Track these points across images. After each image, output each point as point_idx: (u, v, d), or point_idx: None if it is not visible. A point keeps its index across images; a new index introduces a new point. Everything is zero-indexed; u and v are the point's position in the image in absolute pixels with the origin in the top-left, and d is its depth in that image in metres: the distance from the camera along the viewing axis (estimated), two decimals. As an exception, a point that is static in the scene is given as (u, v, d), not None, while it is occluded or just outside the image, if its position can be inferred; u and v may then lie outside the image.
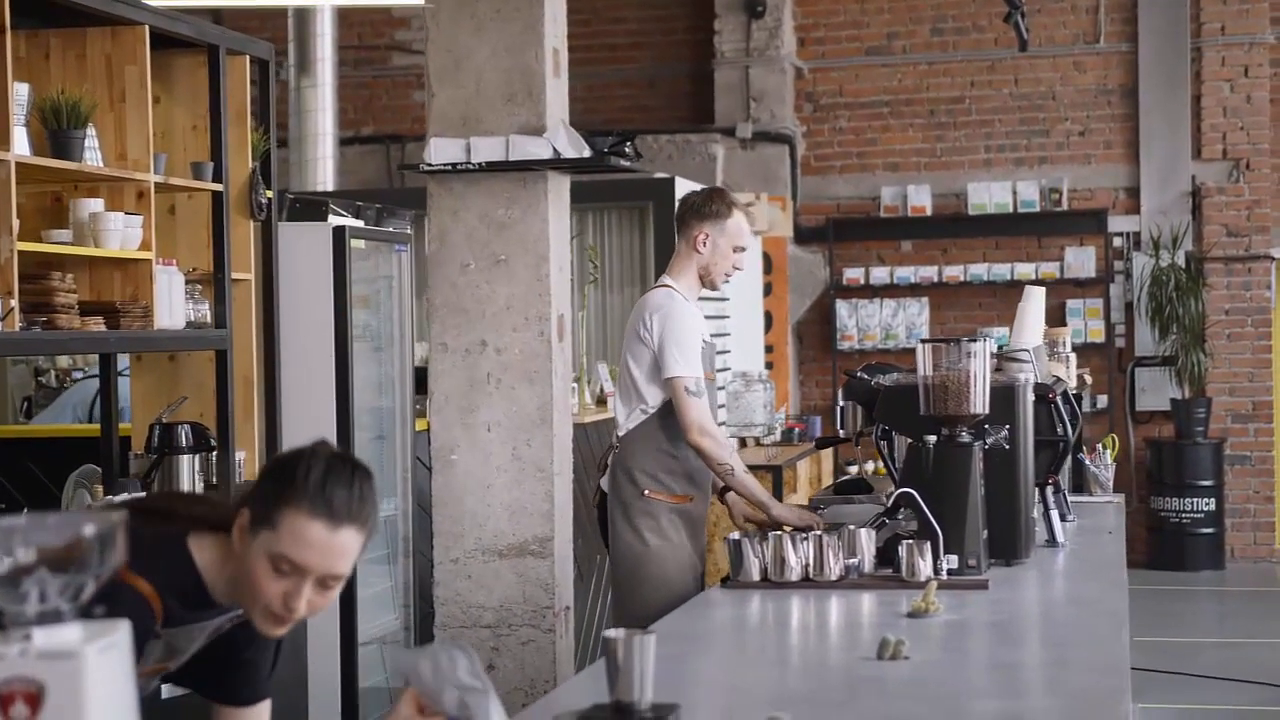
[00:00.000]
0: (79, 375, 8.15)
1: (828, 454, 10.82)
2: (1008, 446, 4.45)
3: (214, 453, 5.56)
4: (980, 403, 4.32)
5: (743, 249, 5.25)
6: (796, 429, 10.61)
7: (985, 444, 4.38)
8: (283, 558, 2.54)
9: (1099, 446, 6.33)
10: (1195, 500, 11.96)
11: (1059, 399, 4.98)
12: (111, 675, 1.75)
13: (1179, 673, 8.63)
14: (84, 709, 1.71)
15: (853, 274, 12.68)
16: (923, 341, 4.39)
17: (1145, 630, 9.55)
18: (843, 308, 12.67)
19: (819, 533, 4.25)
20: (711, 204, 5.21)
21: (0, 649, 1.72)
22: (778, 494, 8.75)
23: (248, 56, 5.85)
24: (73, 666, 1.71)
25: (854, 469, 10.49)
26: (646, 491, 5.12)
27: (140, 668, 2.63)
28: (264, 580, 2.56)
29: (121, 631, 1.79)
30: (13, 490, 6.37)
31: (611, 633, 2.69)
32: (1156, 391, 12.33)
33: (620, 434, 5.24)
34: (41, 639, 1.73)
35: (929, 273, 12.56)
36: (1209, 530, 12.01)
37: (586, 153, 5.49)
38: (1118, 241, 12.49)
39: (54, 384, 8.29)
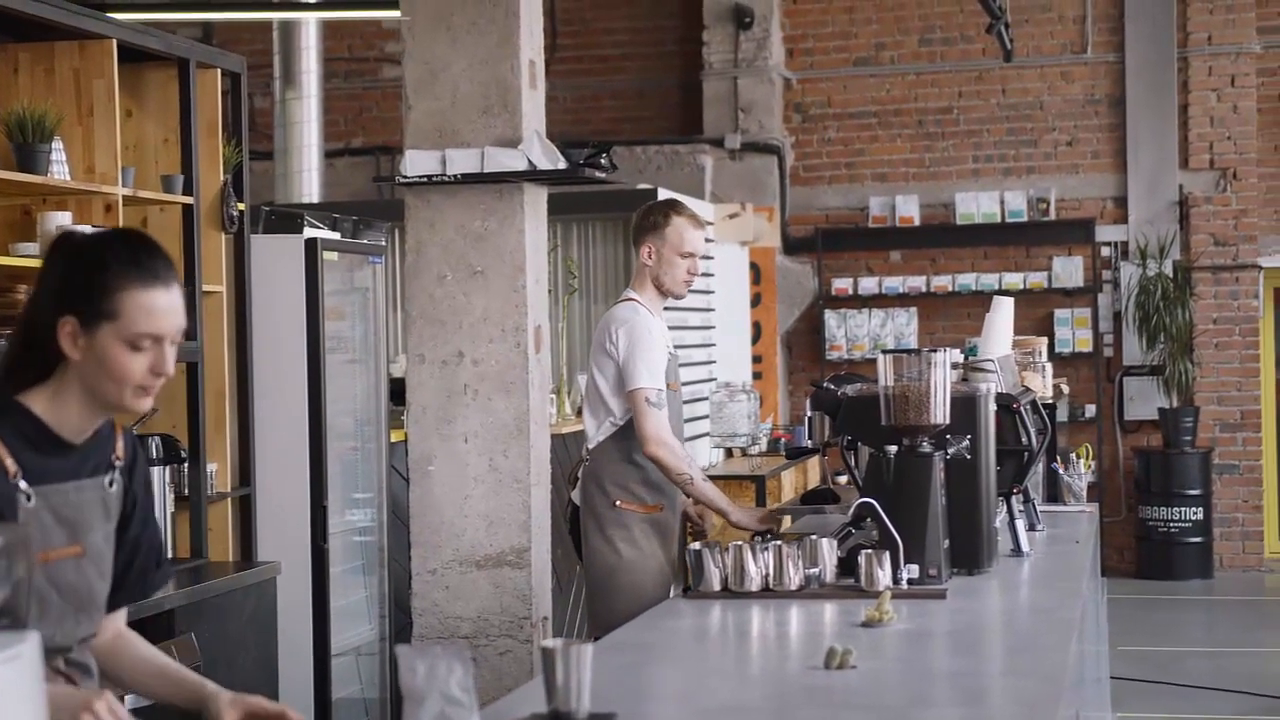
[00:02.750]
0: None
1: (814, 464, 10.82)
2: (969, 456, 4.46)
3: (185, 465, 5.58)
4: (941, 413, 4.33)
5: (690, 254, 5.30)
6: (783, 439, 10.62)
7: (946, 454, 4.39)
8: (140, 335, 2.63)
9: (1072, 456, 6.33)
10: (1183, 509, 11.97)
11: (1024, 409, 4.98)
12: (15, 686, 1.76)
13: (1162, 682, 8.64)
14: (-13, 719, 1.73)
15: (841, 284, 12.69)
16: (884, 352, 4.41)
17: (1131, 639, 9.55)
18: (831, 318, 12.69)
19: (779, 543, 4.26)
20: (649, 217, 5.33)
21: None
22: (760, 504, 8.76)
23: (219, 70, 5.88)
24: (-25, 677, 1.73)
25: (843, 479, 10.48)
26: (618, 502, 5.21)
27: (42, 549, 2.61)
28: (126, 364, 2.64)
29: (29, 643, 1.80)
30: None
31: (548, 643, 2.71)
32: (1144, 401, 12.34)
33: (590, 446, 5.32)
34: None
35: (917, 283, 12.58)
36: (1197, 539, 12.01)
37: (561, 164, 5.50)
38: (1105, 251, 12.50)
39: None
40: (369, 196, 12.54)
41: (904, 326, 12.60)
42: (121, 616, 2.94)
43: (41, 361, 2.68)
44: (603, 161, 5.71)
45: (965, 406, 4.48)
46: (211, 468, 5.77)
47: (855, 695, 3.07)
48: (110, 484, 2.77)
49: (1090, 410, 12.30)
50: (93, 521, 2.74)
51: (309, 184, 10.76)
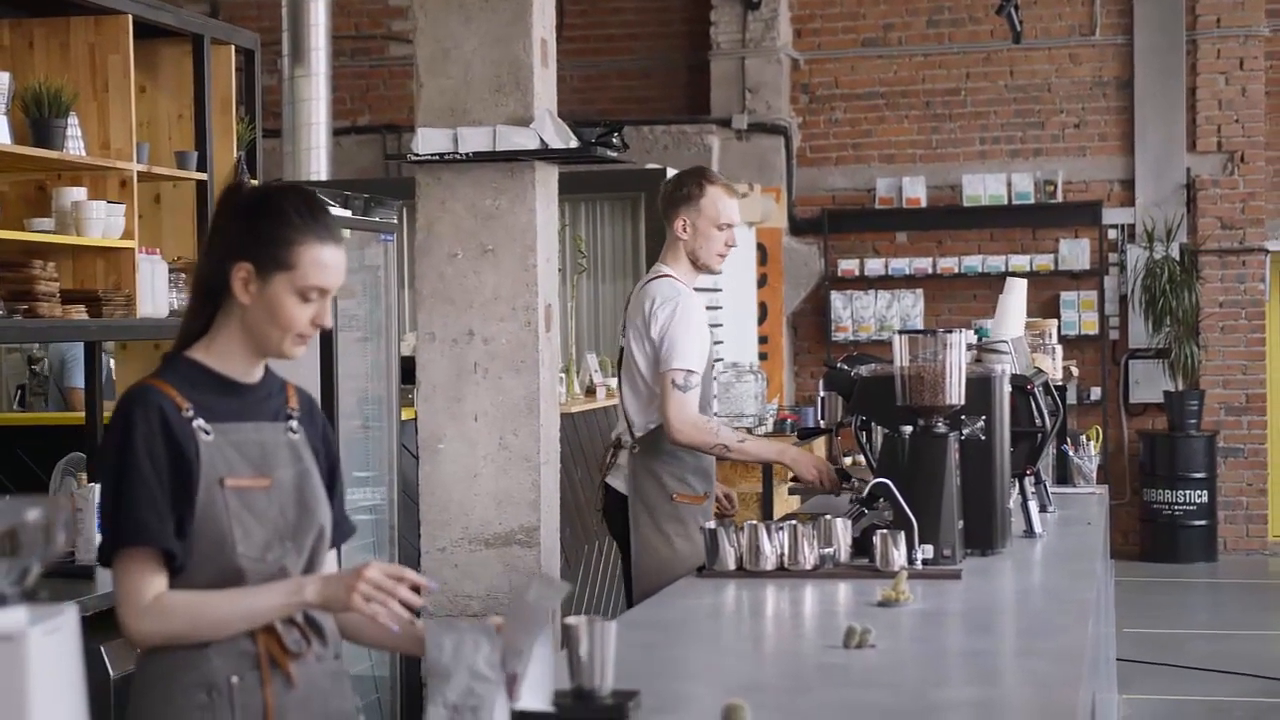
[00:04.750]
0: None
1: (822, 444, 10.83)
2: (983, 437, 4.46)
3: (198, 441, 5.58)
4: (956, 393, 4.33)
5: (728, 225, 5.10)
6: (790, 420, 10.61)
7: (961, 435, 4.39)
8: (311, 287, 2.78)
9: (1082, 438, 6.33)
10: (1188, 492, 11.98)
11: (1038, 390, 4.99)
12: (56, 657, 1.77)
13: (1166, 664, 8.66)
14: (28, 691, 1.73)
15: (847, 265, 12.69)
16: (899, 332, 4.41)
17: (1135, 622, 9.57)
18: (837, 299, 12.69)
19: (794, 522, 4.26)
20: (682, 188, 5.14)
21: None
22: (769, 484, 8.75)
23: (233, 46, 5.87)
24: (16, 649, 1.73)
25: (849, 460, 10.48)
26: (675, 496, 5.07)
27: (226, 474, 2.73)
28: (294, 312, 2.79)
29: (68, 615, 1.81)
30: (3, 478, 6.40)
31: (572, 620, 2.71)
32: (1150, 384, 12.35)
33: (638, 434, 5.14)
34: (-15, 621, 1.75)
35: (924, 264, 12.58)
36: (1201, 522, 12.03)
37: (573, 143, 5.48)
38: (1112, 234, 12.50)
39: (46, 372, 8.31)
40: (375, 174, 12.55)
41: (910, 308, 12.61)
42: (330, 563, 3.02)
43: (208, 316, 2.82)
44: (614, 141, 5.69)
45: (980, 387, 4.48)
46: (224, 444, 5.77)
47: (875, 674, 3.08)
48: (291, 431, 2.89)
49: (1096, 393, 12.31)
50: (278, 460, 2.85)
51: (317, 161, 10.74)
